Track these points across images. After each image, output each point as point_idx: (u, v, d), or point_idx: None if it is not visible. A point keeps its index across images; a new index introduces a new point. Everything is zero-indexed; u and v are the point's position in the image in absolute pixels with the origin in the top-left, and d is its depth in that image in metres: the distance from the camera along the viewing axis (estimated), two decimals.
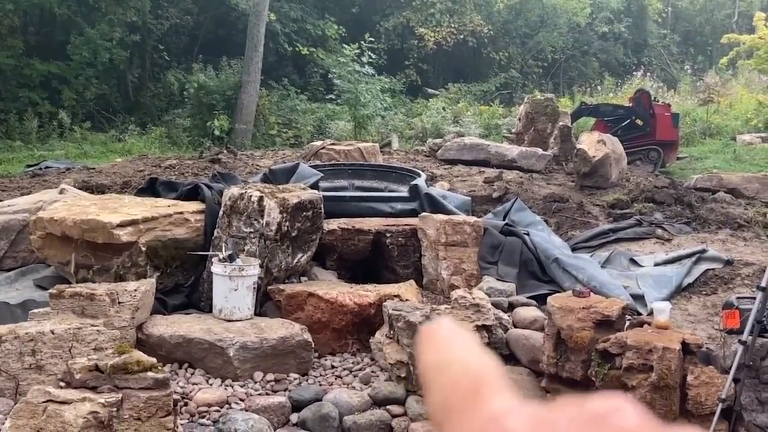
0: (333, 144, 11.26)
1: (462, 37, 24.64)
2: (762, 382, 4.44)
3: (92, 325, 5.01)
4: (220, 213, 6.37)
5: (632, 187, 9.36)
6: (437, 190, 8.32)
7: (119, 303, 5.24)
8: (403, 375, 5.33)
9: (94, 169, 10.56)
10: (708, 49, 30.23)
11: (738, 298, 4.95)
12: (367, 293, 6.08)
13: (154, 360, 4.36)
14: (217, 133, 17.72)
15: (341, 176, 8.97)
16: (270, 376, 5.42)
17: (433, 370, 0.47)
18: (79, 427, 3.85)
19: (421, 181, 8.10)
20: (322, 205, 6.66)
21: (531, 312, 5.81)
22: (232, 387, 5.26)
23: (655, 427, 0.42)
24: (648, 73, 25.01)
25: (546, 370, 4.97)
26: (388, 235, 7.02)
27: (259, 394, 5.19)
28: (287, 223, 6.24)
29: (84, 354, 4.75)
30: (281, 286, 6.20)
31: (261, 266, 6.02)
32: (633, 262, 6.98)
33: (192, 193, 7.02)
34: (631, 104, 13.88)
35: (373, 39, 18.85)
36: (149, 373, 4.22)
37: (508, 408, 0.43)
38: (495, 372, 0.46)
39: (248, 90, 18.83)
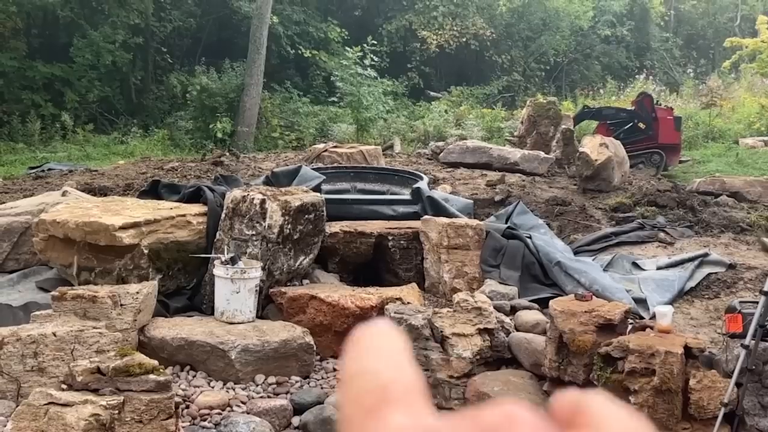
0: (335, 147, 11.27)
1: (464, 40, 24.66)
2: (765, 387, 4.43)
3: (94, 328, 5.01)
4: (222, 215, 6.37)
5: (635, 190, 9.35)
6: (439, 193, 8.32)
7: (121, 305, 5.24)
8: None
9: (96, 171, 10.58)
10: (710, 53, 30.21)
11: (741, 302, 4.93)
12: (369, 296, 6.07)
13: (155, 362, 4.35)
14: (219, 135, 17.75)
15: (343, 179, 8.98)
16: (272, 379, 5.41)
17: (347, 378, 0.45)
18: (81, 430, 3.85)
19: (423, 184, 8.10)
20: (324, 208, 6.66)
21: (533, 315, 5.80)
22: (234, 390, 5.26)
23: None
24: (650, 77, 24.99)
25: (548, 373, 4.96)
26: (390, 238, 7.01)
27: (261, 397, 5.19)
28: (289, 226, 6.24)
29: (86, 356, 4.75)
30: (283, 289, 6.20)
31: (263, 269, 6.02)
32: (635, 265, 6.96)
33: (194, 196, 7.02)
34: (633, 107, 13.89)
35: (375, 42, 18.89)
36: (151, 376, 4.21)
37: (399, 428, 0.41)
38: (408, 386, 0.44)
39: (251, 92, 18.86)
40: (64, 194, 7.40)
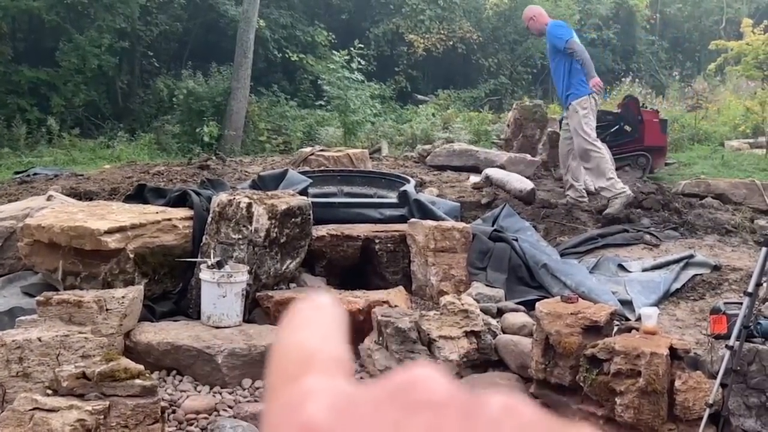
0: (322, 150, 11.24)
1: (451, 43, 24.71)
2: (749, 387, 4.46)
3: (80, 333, 4.99)
4: (209, 219, 6.35)
5: None
6: (426, 196, 8.32)
7: (107, 310, 5.22)
8: None
9: (82, 175, 10.52)
10: (696, 56, 30.35)
11: (725, 303, 4.96)
12: (356, 299, 6.07)
13: (141, 367, 4.34)
14: (206, 139, 17.70)
15: (330, 182, 8.97)
16: (259, 383, 5.40)
17: (277, 349, 0.46)
18: None
19: (410, 187, 8.10)
20: (311, 212, 6.65)
21: (520, 318, 5.81)
22: (221, 394, 5.25)
23: (464, 396, 0.41)
24: (636, 80, 25.07)
25: (535, 375, 4.97)
26: (377, 241, 7.01)
27: (248, 401, 5.17)
28: (276, 230, 6.23)
29: (71, 361, 4.73)
30: (270, 293, 6.18)
31: (249, 273, 6.01)
32: (621, 267, 6.99)
33: (180, 200, 7.00)
34: (619, 110, 13.90)
35: (362, 45, 18.87)
36: (137, 381, 4.20)
37: (311, 390, 0.42)
38: (332, 356, 0.45)
39: (238, 96, 18.81)
40: (49, 199, 7.36)
